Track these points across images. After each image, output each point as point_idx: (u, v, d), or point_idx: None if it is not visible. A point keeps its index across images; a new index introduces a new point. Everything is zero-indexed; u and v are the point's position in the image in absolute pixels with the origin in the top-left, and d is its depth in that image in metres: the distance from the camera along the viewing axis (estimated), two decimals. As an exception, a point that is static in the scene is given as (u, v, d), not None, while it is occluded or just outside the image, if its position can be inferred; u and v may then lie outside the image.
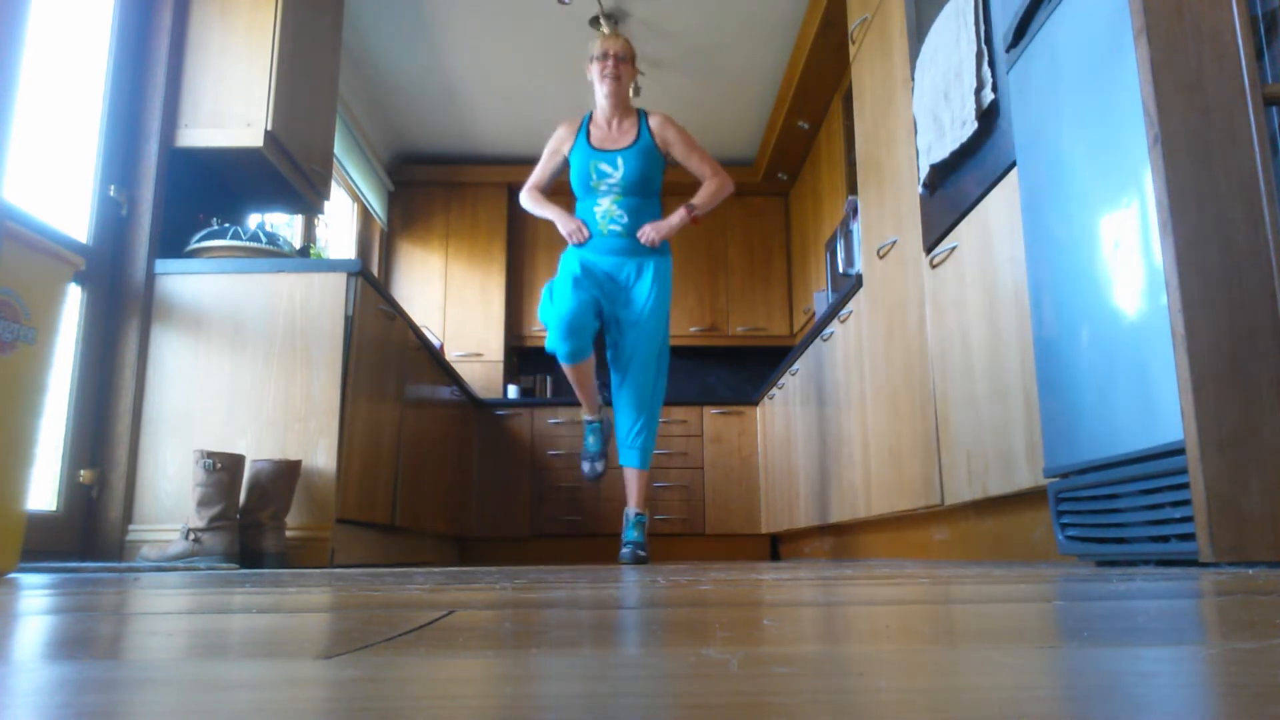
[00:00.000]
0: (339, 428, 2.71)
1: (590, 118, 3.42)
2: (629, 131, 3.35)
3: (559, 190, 4.05)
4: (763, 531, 5.18)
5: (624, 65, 3.35)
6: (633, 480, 3.39)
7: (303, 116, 3.21)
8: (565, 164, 3.45)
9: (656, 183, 3.38)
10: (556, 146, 3.45)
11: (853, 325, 3.51)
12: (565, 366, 3.29)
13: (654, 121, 3.39)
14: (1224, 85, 1.45)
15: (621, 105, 3.37)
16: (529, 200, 3.49)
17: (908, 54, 2.87)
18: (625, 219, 3.29)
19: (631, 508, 3.39)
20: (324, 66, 3.45)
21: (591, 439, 3.58)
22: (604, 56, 3.33)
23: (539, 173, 3.50)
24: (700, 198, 3.37)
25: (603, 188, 3.30)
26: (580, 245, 3.31)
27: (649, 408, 3.37)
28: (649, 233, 3.27)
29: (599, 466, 3.57)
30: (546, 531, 5.12)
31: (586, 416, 3.56)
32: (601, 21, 4.37)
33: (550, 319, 3.21)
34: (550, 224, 3.76)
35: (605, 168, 3.29)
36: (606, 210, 3.30)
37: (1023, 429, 2.07)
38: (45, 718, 0.31)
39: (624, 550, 3.33)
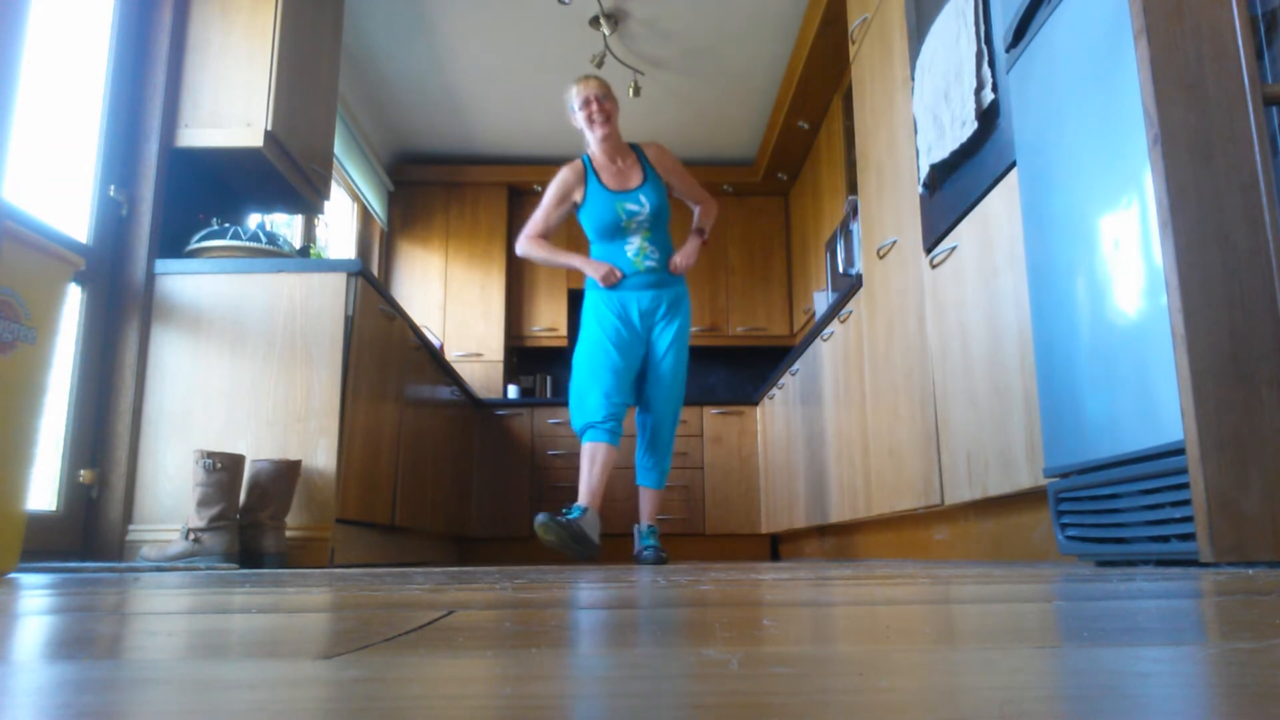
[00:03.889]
0: (339, 428, 2.71)
1: (590, 161, 3.38)
2: (634, 168, 3.37)
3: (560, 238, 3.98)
4: (763, 531, 5.18)
5: (608, 104, 3.33)
6: (651, 500, 3.39)
7: (303, 116, 3.21)
8: (571, 211, 3.40)
9: (668, 214, 3.41)
10: (565, 193, 3.36)
11: (853, 325, 3.51)
12: (595, 445, 3.19)
13: (651, 154, 3.43)
14: (1224, 85, 1.45)
15: (618, 144, 3.39)
16: (535, 248, 3.37)
17: (908, 54, 2.87)
18: (658, 254, 3.33)
19: (646, 522, 3.36)
20: (324, 66, 3.45)
21: (574, 512, 3.13)
22: (586, 103, 3.30)
23: (544, 220, 3.38)
24: (705, 223, 3.51)
25: (633, 226, 3.30)
26: (614, 287, 3.29)
27: (670, 429, 3.39)
28: (679, 262, 3.34)
29: (594, 538, 3.10)
30: (546, 531, 5.12)
31: (581, 503, 3.15)
32: (602, 21, 4.37)
33: (589, 398, 3.20)
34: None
35: (633, 207, 3.29)
36: (639, 248, 3.31)
37: (1023, 429, 2.07)
38: (45, 718, 0.31)
39: (645, 553, 3.28)
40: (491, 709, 0.33)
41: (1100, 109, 1.65)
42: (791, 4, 4.29)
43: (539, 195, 5.76)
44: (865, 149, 3.39)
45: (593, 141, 3.36)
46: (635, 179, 3.35)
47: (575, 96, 3.34)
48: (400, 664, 0.43)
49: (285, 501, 2.55)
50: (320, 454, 2.69)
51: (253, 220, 3.43)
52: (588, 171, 3.34)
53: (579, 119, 3.36)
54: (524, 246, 3.40)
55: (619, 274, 3.28)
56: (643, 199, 3.30)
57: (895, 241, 2.99)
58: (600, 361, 3.25)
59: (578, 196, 3.35)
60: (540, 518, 2.98)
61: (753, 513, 5.22)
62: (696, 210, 3.57)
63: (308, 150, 3.28)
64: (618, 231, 3.31)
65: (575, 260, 3.35)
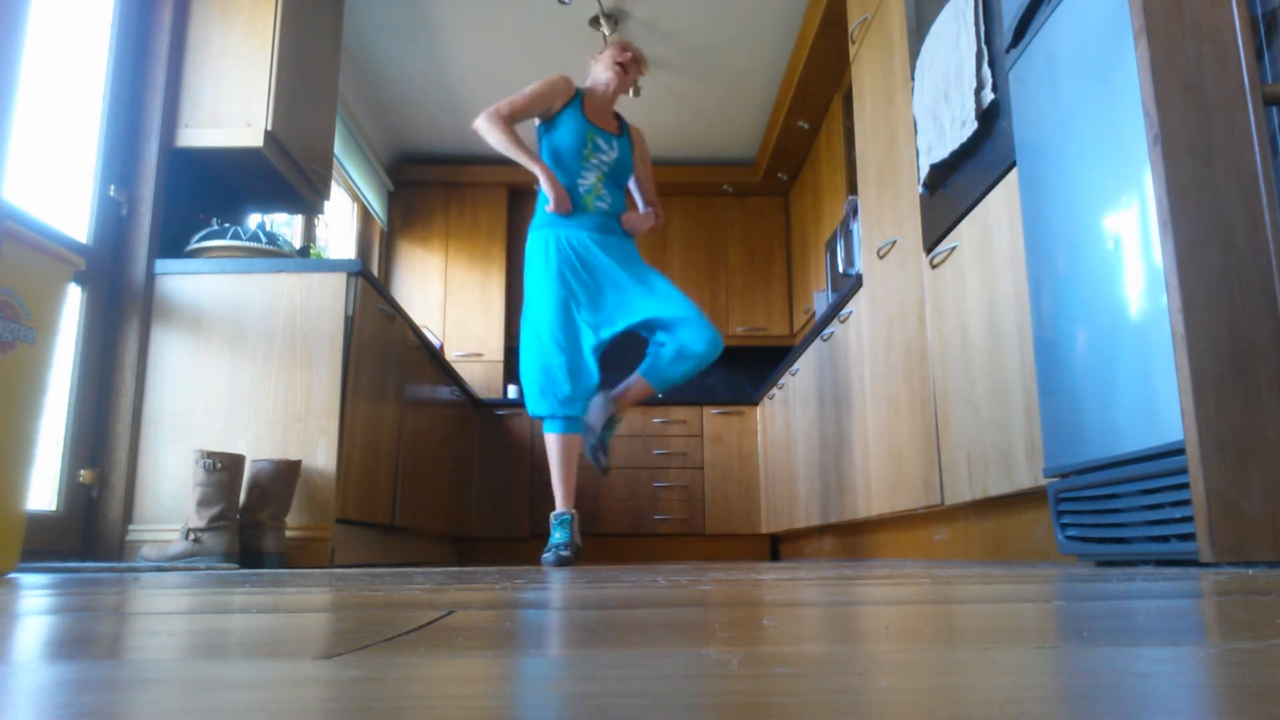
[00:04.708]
0: (339, 428, 2.71)
1: (582, 94, 3.26)
2: (614, 124, 3.31)
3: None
4: (763, 531, 5.18)
5: (637, 65, 3.29)
6: (640, 392, 3.09)
7: (303, 116, 3.21)
8: (538, 115, 3.20)
9: (626, 181, 3.32)
10: (550, 95, 3.15)
11: (853, 325, 3.51)
12: (556, 437, 3.01)
13: (634, 134, 3.40)
14: (1224, 85, 1.45)
15: (613, 101, 3.32)
16: (499, 130, 3.03)
17: (908, 54, 2.87)
18: (609, 201, 3.18)
19: (619, 411, 3.08)
20: (324, 66, 3.45)
21: (559, 533, 2.97)
22: (623, 49, 3.26)
23: (519, 103, 3.10)
24: (655, 218, 3.37)
25: (594, 161, 3.16)
26: (564, 216, 3.10)
27: (701, 318, 3.06)
28: (635, 221, 3.21)
29: (566, 555, 2.92)
30: (546, 532, 5.12)
31: (558, 510, 3.02)
32: (602, 22, 4.37)
33: (543, 381, 2.97)
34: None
35: (602, 144, 3.19)
36: (593, 186, 3.15)
37: (1023, 429, 2.07)
38: (45, 718, 0.31)
39: (602, 460, 3.05)
40: (491, 709, 0.33)
41: (1100, 109, 1.65)
42: (791, 4, 4.29)
43: (538, 195, 5.77)
44: (865, 149, 3.39)
45: (599, 78, 3.27)
46: (614, 130, 3.29)
47: (616, 44, 3.29)
48: (400, 664, 0.43)
49: (285, 501, 2.55)
50: (320, 454, 2.69)
51: (253, 220, 3.43)
52: (576, 95, 3.23)
53: (604, 57, 3.28)
54: (490, 121, 3.04)
55: (568, 203, 3.07)
56: (615, 145, 3.22)
57: (895, 241, 2.99)
58: (560, 328, 3.01)
59: (556, 105, 3.17)
60: (548, 559, 2.90)
61: (753, 513, 5.22)
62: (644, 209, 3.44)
63: (308, 150, 3.28)
64: (577, 159, 3.14)
65: (537, 166, 3.04)
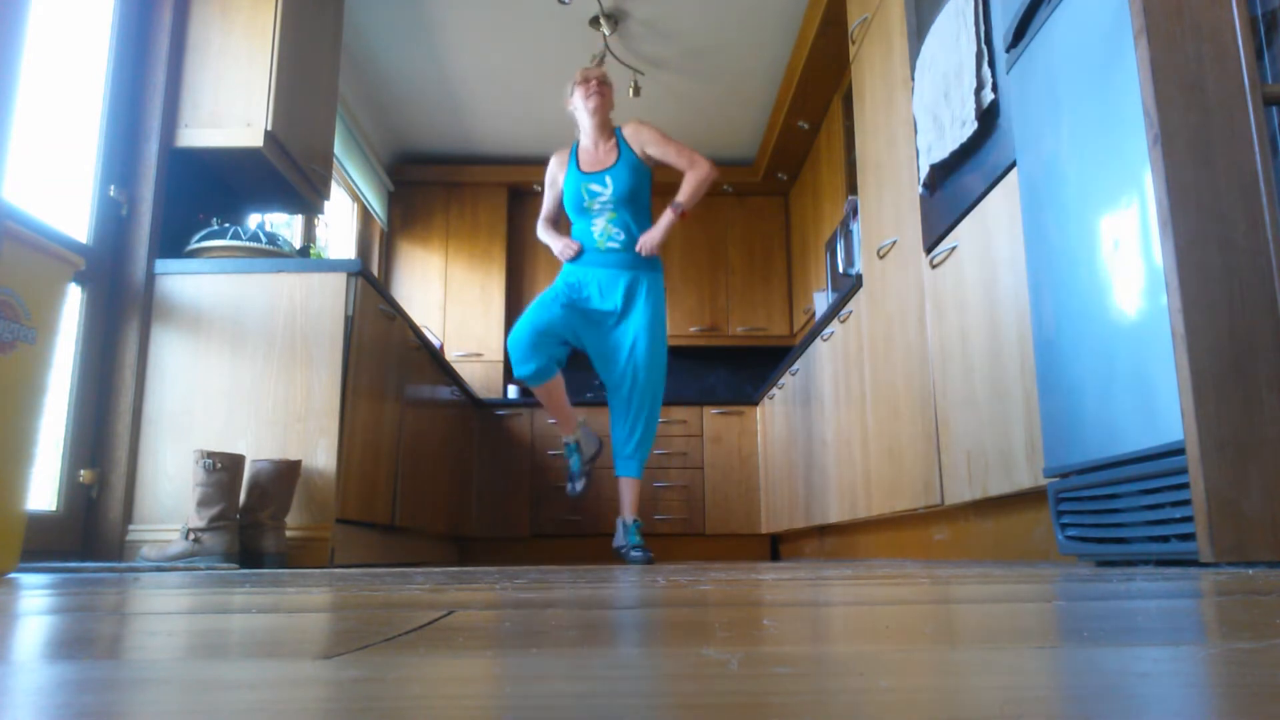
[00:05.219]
0: (339, 428, 2.71)
1: (577, 145, 3.55)
2: (612, 151, 3.49)
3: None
4: (763, 531, 5.18)
5: (605, 87, 3.49)
6: (630, 490, 3.44)
7: (303, 116, 3.21)
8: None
9: (646, 195, 3.49)
10: (552, 178, 3.59)
11: (853, 325, 3.51)
12: (533, 389, 3.46)
13: (627, 131, 3.51)
14: (1224, 85, 1.45)
15: (604, 126, 3.50)
16: (543, 233, 3.62)
17: (908, 54, 2.87)
18: (622, 235, 3.42)
19: (630, 515, 3.43)
20: (324, 66, 3.45)
21: (573, 459, 3.62)
22: (585, 81, 3.49)
23: (546, 206, 3.64)
24: (684, 194, 3.44)
25: (595, 207, 3.43)
26: (574, 260, 3.44)
27: (648, 418, 3.43)
28: (645, 242, 3.39)
29: (578, 487, 3.61)
30: (546, 531, 5.12)
31: (564, 437, 3.65)
32: (602, 21, 4.37)
33: (512, 338, 3.38)
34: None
35: (595, 188, 3.43)
36: (603, 229, 3.43)
37: (1023, 429, 2.07)
38: (45, 718, 0.31)
39: (634, 554, 3.35)
40: (491, 709, 0.33)
41: (1100, 109, 1.65)
42: (791, 4, 4.29)
43: (539, 195, 5.78)
44: (865, 149, 3.39)
45: (582, 119, 3.50)
46: (609, 161, 3.46)
47: (576, 77, 3.52)
48: (400, 664, 0.43)
49: (285, 501, 2.55)
50: (320, 454, 2.69)
51: (253, 220, 3.43)
52: (571, 155, 3.53)
53: (575, 99, 3.50)
54: (539, 232, 3.64)
55: (575, 247, 3.42)
56: (608, 180, 3.41)
57: (895, 241, 2.99)
58: (542, 307, 3.40)
59: (559, 179, 3.56)
60: (573, 490, 3.62)
61: (753, 513, 5.22)
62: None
63: (308, 150, 3.28)
64: (583, 211, 3.46)
65: (552, 239, 3.53)
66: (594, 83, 3.47)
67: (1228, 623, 0.60)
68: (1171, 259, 1.41)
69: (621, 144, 3.48)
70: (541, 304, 3.41)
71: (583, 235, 3.46)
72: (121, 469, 2.64)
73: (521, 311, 5.83)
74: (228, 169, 3.13)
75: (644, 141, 3.47)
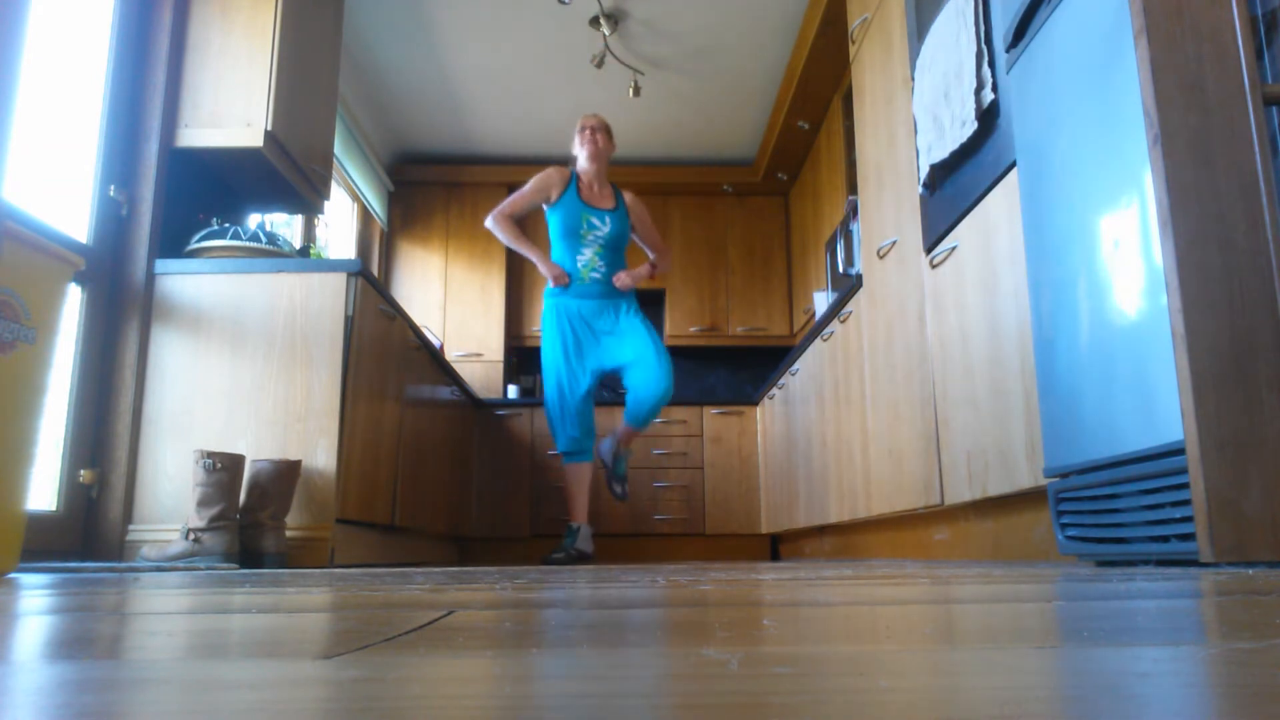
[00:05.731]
0: (339, 428, 2.71)
1: (577, 175, 3.78)
2: (609, 197, 3.80)
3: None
4: (763, 531, 5.18)
5: (601, 135, 3.78)
6: (632, 434, 3.78)
7: (303, 116, 3.21)
8: (540, 205, 3.75)
9: (625, 244, 3.83)
10: (545, 187, 3.71)
11: (853, 325, 3.51)
12: (580, 468, 3.65)
13: (627, 197, 3.87)
14: (1224, 85, 1.45)
15: (601, 172, 3.80)
16: (502, 227, 3.67)
17: (908, 54, 2.87)
18: (604, 270, 3.70)
19: (624, 446, 3.84)
20: (324, 66, 3.45)
21: (567, 539, 3.67)
22: (582, 130, 3.79)
23: (518, 202, 3.71)
24: (663, 263, 3.93)
25: (589, 238, 3.69)
26: (563, 289, 3.67)
27: (663, 402, 3.64)
28: (624, 279, 3.68)
29: (559, 555, 3.59)
30: (546, 531, 5.12)
31: (577, 521, 3.68)
32: (602, 21, 4.37)
33: (558, 416, 3.63)
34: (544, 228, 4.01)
35: (596, 221, 3.69)
36: (589, 260, 3.69)
37: (1023, 429, 2.07)
38: (45, 718, 0.31)
39: (616, 488, 3.90)
40: (491, 709, 0.33)
41: (1100, 109, 1.65)
42: (791, 4, 4.29)
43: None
44: (865, 149, 3.39)
45: (581, 160, 3.79)
46: (608, 205, 3.78)
47: (581, 122, 3.82)
48: (400, 664, 0.43)
49: (285, 501, 2.55)
50: (320, 454, 2.69)
51: (253, 220, 3.43)
52: (571, 179, 3.75)
53: (575, 142, 3.82)
54: (495, 221, 3.70)
55: (566, 279, 3.66)
56: (607, 220, 3.71)
57: (895, 241, 2.99)
58: (564, 387, 3.64)
59: (554, 195, 3.71)
60: (546, 558, 3.63)
61: (753, 513, 5.22)
62: (652, 257, 3.95)
63: (308, 150, 3.28)
64: (575, 237, 3.68)
65: (534, 255, 3.65)
66: (588, 131, 3.77)
67: (1228, 623, 0.60)
68: (1171, 259, 1.41)
69: (619, 200, 3.81)
70: (566, 372, 3.62)
71: (565, 261, 3.69)
72: (121, 469, 2.64)
73: (521, 312, 5.84)
74: (228, 169, 3.13)
75: (640, 216, 3.86)
